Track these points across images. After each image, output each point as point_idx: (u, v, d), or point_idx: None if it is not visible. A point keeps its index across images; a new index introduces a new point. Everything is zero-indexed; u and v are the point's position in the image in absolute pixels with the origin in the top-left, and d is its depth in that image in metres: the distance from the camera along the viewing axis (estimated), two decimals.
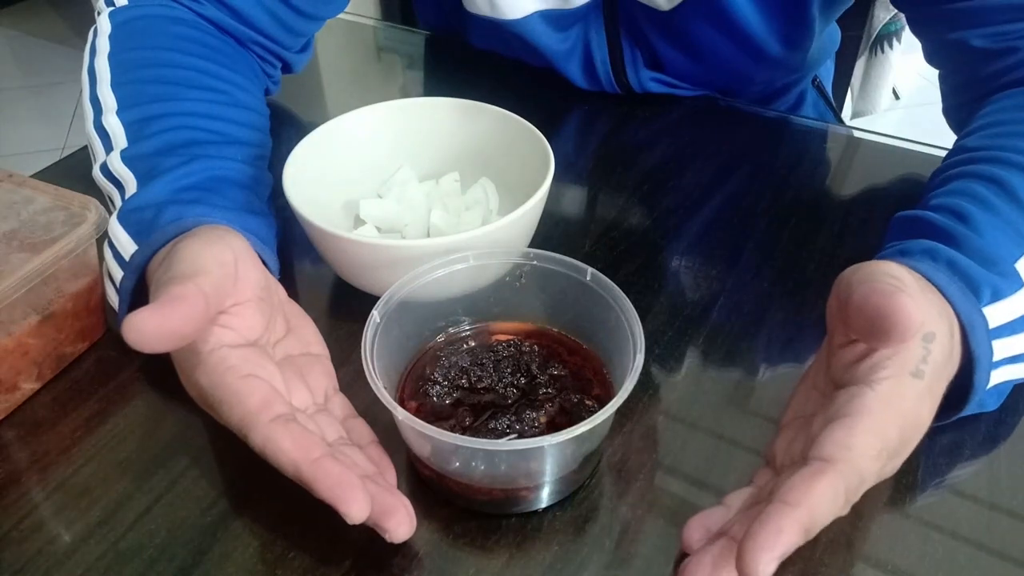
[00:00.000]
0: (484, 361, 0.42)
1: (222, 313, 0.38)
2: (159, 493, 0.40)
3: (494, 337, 0.44)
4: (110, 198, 0.49)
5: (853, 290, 0.35)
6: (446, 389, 0.41)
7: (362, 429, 0.40)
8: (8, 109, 2.36)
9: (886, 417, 0.33)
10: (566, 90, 0.72)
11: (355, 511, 0.33)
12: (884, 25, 0.88)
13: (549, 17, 0.67)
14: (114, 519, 0.38)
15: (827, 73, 0.91)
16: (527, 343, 0.43)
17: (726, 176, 0.62)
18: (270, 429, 0.34)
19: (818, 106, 0.87)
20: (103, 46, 0.54)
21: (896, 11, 0.84)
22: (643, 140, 0.66)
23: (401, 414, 0.35)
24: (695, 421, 0.43)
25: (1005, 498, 0.39)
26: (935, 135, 0.65)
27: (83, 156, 0.55)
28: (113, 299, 0.44)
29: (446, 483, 0.38)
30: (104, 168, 0.49)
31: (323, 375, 0.42)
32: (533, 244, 0.50)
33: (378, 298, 0.40)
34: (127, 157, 0.48)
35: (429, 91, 0.77)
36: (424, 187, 0.55)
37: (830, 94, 0.90)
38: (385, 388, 0.36)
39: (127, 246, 0.43)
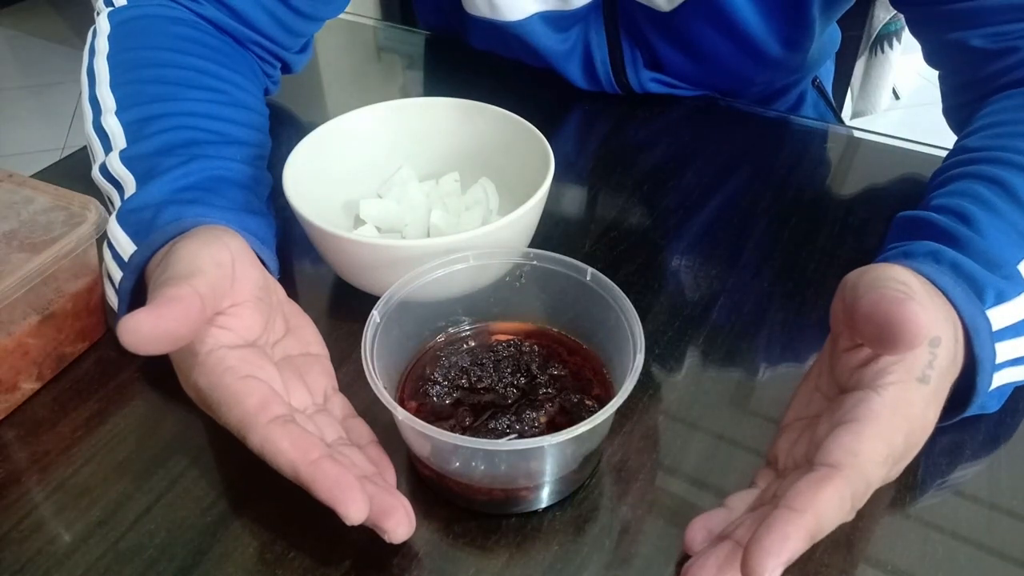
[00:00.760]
0: (484, 361, 0.42)
1: (220, 314, 0.38)
2: (159, 493, 0.39)
3: (494, 337, 0.44)
4: (109, 199, 0.49)
5: (860, 295, 0.35)
6: (446, 389, 0.41)
7: (361, 429, 0.40)
8: (8, 109, 2.36)
9: (893, 423, 0.33)
10: (566, 90, 0.72)
11: (353, 512, 0.33)
12: (884, 25, 0.88)
13: (549, 18, 0.67)
14: (114, 519, 0.38)
15: (827, 73, 0.91)
16: (527, 343, 0.43)
17: (726, 176, 0.62)
18: (268, 430, 0.34)
19: (818, 106, 0.87)
20: (102, 47, 0.54)
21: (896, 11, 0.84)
22: (643, 140, 0.66)
23: (401, 414, 0.35)
24: (695, 421, 0.43)
25: (1005, 498, 0.39)
26: (935, 135, 0.65)
27: (83, 156, 0.55)
28: (113, 300, 0.44)
29: (446, 483, 0.38)
30: (103, 169, 0.49)
31: (322, 375, 0.42)
32: (533, 244, 0.50)
33: (378, 298, 0.40)
34: (126, 157, 0.48)
35: (429, 91, 0.77)
36: (424, 187, 0.55)
37: (830, 94, 0.90)
38: (385, 388, 0.36)
39: (126, 247, 0.43)
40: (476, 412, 0.40)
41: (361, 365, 0.37)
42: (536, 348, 0.43)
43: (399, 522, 0.34)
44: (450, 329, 0.45)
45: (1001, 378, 0.39)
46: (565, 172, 0.62)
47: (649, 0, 0.64)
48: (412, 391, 0.41)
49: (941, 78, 0.59)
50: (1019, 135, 0.47)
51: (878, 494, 0.39)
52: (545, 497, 0.38)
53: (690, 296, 0.51)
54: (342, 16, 0.78)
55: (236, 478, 0.40)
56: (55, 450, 0.42)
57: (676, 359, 0.47)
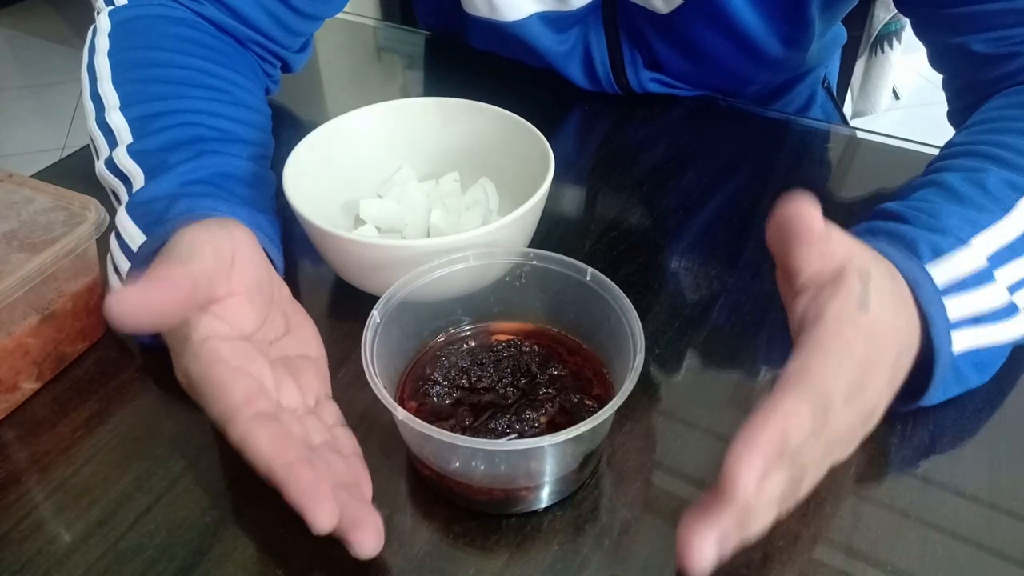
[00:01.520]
0: (484, 361, 0.42)
1: (215, 303, 0.38)
2: (159, 493, 0.40)
3: (494, 337, 0.44)
4: (115, 192, 0.49)
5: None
6: (446, 389, 0.41)
7: (346, 440, 0.39)
8: (8, 109, 2.36)
9: (839, 343, 0.32)
10: (566, 90, 0.72)
11: (321, 519, 0.32)
12: (884, 25, 0.88)
13: (548, 19, 0.67)
14: (114, 519, 0.38)
15: (831, 74, 0.91)
16: (527, 343, 0.43)
17: (726, 176, 0.62)
18: (249, 425, 0.34)
19: (826, 108, 0.87)
20: (102, 44, 0.54)
21: (896, 11, 0.84)
22: (643, 140, 0.66)
23: (401, 414, 0.35)
24: (695, 421, 0.43)
25: (1005, 498, 0.39)
26: (935, 135, 0.65)
27: (83, 156, 0.55)
28: None
29: (446, 483, 0.38)
30: (110, 162, 0.48)
31: (316, 379, 0.41)
32: (533, 244, 0.50)
33: (378, 298, 0.40)
34: (134, 152, 0.48)
35: (429, 91, 0.77)
36: (424, 187, 0.55)
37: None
38: (385, 388, 0.36)
39: (135, 237, 0.43)
40: (476, 412, 0.40)
41: (361, 365, 0.37)
42: (536, 348, 0.43)
43: (366, 536, 0.33)
44: (450, 329, 0.45)
45: (964, 339, 0.38)
46: (565, 172, 0.62)
47: (647, 2, 0.64)
48: (412, 391, 0.41)
49: (945, 82, 0.59)
50: (1002, 130, 0.47)
51: (878, 493, 0.39)
52: (545, 497, 0.38)
53: (690, 296, 0.51)
54: (342, 16, 0.79)
55: (236, 478, 0.40)
56: (55, 450, 0.42)
57: (676, 359, 0.47)
